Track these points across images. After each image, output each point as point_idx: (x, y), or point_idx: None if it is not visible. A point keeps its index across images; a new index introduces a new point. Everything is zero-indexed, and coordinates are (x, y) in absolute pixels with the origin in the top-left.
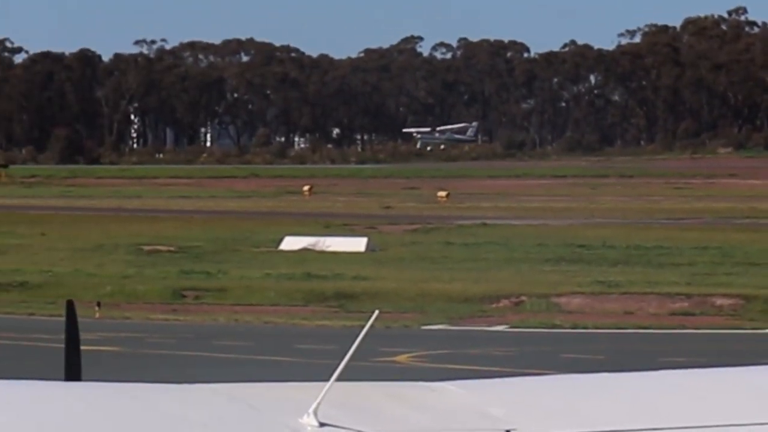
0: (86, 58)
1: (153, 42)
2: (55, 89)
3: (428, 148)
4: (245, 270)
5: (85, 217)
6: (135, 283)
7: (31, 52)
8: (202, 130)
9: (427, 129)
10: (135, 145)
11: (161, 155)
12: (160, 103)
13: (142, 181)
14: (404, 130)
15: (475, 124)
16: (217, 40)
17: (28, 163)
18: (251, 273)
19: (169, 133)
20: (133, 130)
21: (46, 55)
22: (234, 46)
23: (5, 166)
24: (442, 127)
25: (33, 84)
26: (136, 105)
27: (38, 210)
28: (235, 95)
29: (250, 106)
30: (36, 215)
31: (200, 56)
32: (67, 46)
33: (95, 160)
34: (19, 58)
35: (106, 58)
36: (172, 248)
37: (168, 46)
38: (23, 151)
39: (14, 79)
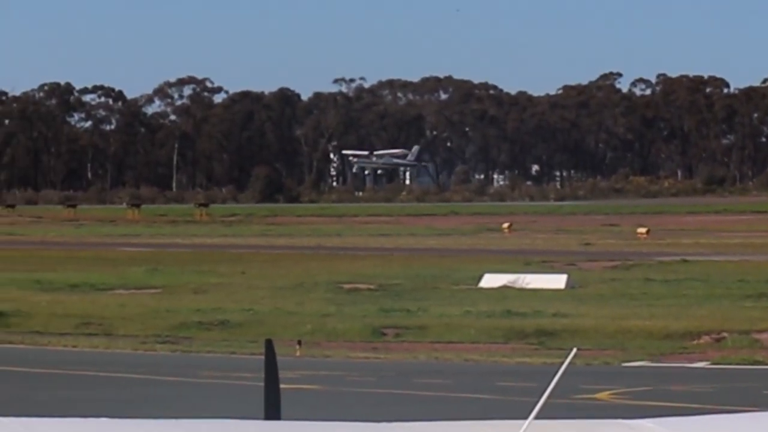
0: (285, 97)
1: (352, 80)
2: (255, 128)
3: (365, 172)
4: (445, 307)
5: (285, 255)
6: (335, 321)
7: (231, 91)
8: (401, 168)
9: (365, 152)
10: (334, 184)
11: (360, 193)
12: (359, 141)
13: (341, 220)
14: (343, 151)
15: (415, 148)
16: (415, 78)
17: (229, 202)
18: (451, 310)
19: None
20: (332, 169)
21: (245, 95)
22: (432, 84)
23: (206, 205)
24: (380, 152)
25: (233, 123)
26: (335, 143)
27: (239, 249)
28: (434, 133)
29: (448, 144)
30: (236, 254)
31: (399, 94)
32: (266, 85)
33: (295, 199)
34: (218, 98)
35: (305, 96)
36: (372, 286)
37: (367, 84)
38: (223, 190)
39: (214, 118)
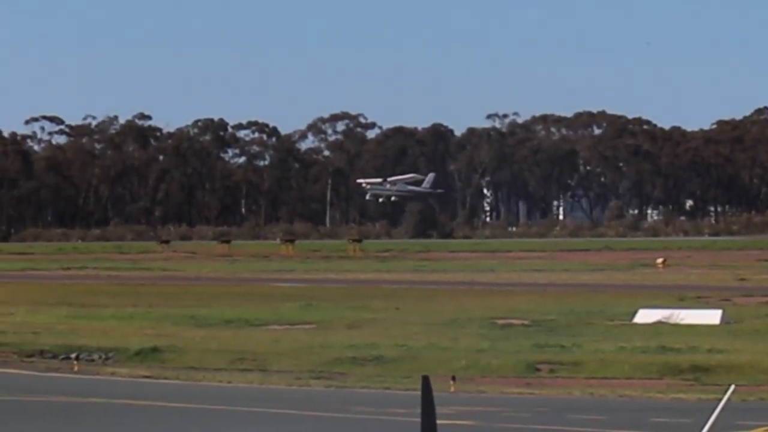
0: (439, 132)
1: (505, 116)
2: (408, 164)
3: (379, 200)
4: (599, 343)
5: (438, 291)
6: (489, 356)
7: (384, 127)
8: (555, 203)
9: (378, 180)
10: (488, 219)
11: (514, 228)
12: (512, 176)
13: (494, 255)
14: (357, 180)
15: (431, 175)
16: (569, 113)
17: (382, 237)
18: (605, 346)
19: (522, 207)
20: (485, 204)
21: (398, 130)
22: (586, 119)
23: (359, 240)
24: (393, 178)
25: (386, 159)
26: (488, 179)
27: (392, 284)
28: (588, 168)
29: (602, 179)
30: (390, 289)
31: (552, 129)
32: (419, 120)
33: (448, 234)
34: (372, 134)
35: (458, 132)
36: (526, 322)
37: (520, 120)
38: (377, 225)
39: (368, 154)
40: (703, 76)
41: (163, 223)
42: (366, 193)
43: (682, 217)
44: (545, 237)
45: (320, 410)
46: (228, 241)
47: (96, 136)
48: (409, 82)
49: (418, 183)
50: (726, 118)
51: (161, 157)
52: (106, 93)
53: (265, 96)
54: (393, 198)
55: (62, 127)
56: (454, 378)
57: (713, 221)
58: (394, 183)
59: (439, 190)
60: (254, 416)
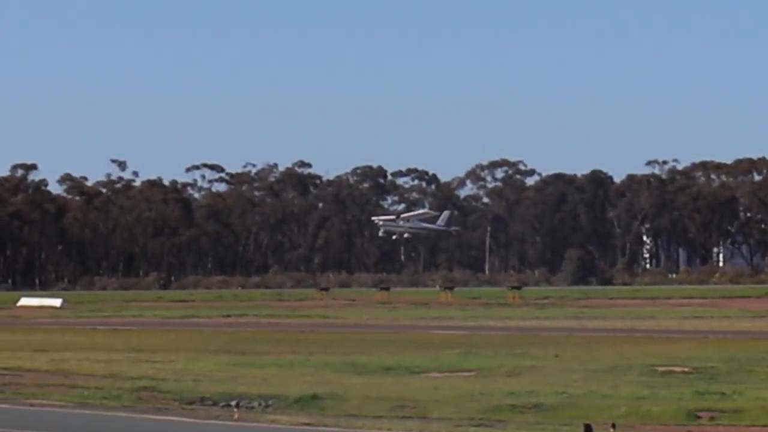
0: (598, 179)
1: (665, 162)
2: (568, 210)
3: (393, 237)
4: (761, 390)
5: (598, 338)
6: (649, 404)
7: (544, 174)
8: (715, 249)
9: (392, 217)
10: (647, 266)
11: (674, 275)
12: (672, 223)
13: (654, 302)
14: (372, 218)
15: (445, 213)
16: (728, 160)
17: (541, 284)
18: (767, 394)
19: (682, 253)
20: (645, 251)
21: (558, 177)
22: (746, 165)
23: (519, 287)
24: (407, 215)
25: (545, 206)
26: (648, 225)
27: (551, 331)
28: (748, 214)
29: (762, 226)
30: (549, 336)
31: (712, 176)
32: (578, 167)
33: (608, 281)
34: (531, 181)
35: (617, 179)
36: (686, 369)
37: (680, 166)
38: (536, 272)
39: (527, 201)
40: None
41: (322, 270)
42: (380, 229)
43: None
44: (705, 284)
45: None
46: (387, 288)
47: (256, 184)
48: (568, 129)
49: (432, 220)
50: None
51: (321, 205)
52: (265, 141)
53: (423, 143)
54: (406, 235)
55: (222, 174)
56: (614, 425)
57: None
58: (407, 219)
59: (454, 228)
60: None
